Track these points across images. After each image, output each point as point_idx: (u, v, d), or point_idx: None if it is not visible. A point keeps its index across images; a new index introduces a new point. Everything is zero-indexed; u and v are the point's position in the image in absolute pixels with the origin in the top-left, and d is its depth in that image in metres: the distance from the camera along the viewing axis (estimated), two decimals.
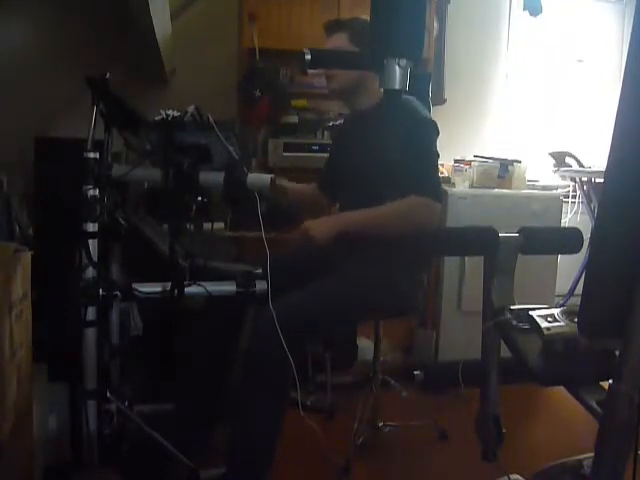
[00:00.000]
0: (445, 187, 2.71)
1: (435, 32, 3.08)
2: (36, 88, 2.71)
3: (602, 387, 1.00)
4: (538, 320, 1.11)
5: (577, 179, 3.24)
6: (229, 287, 1.55)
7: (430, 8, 2.91)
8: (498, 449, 1.32)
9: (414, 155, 1.70)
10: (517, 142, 3.44)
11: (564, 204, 3.00)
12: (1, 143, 2.54)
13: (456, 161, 2.89)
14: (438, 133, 1.78)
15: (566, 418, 2.31)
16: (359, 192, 1.83)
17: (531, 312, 1.15)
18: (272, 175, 1.52)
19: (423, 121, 1.76)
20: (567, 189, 3.29)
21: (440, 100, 3.07)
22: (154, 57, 2.58)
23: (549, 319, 1.11)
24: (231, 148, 1.50)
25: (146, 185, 2.08)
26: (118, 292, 1.46)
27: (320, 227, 1.69)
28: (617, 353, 0.93)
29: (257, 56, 2.66)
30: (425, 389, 2.59)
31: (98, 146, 1.44)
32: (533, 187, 3.05)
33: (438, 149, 1.78)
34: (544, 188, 3.17)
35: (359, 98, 1.87)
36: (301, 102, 2.94)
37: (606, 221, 0.90)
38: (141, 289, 1.48)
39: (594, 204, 3.20)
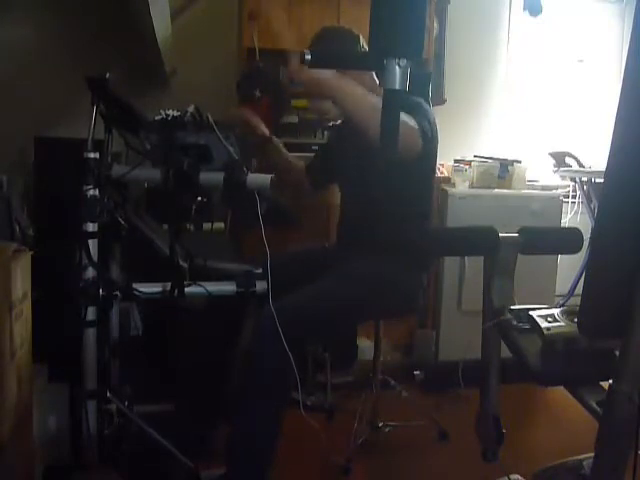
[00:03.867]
0: (445, 187, 2.72)
1: (435, 32, 3.08)
2: (36, 88, 2.70)
3: (602, 387, 1.00)
4: (538, 320, 1.11)
5: (577, 179, 3.24)
6: (229, 287, 1.55)
7: (430, 8, 2.90)
8: (498, 449, 1.32)
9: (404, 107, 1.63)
10: (517, 142, 3.44)
11: (564, 204, 3.00)
12: (1, 143, 2.54)
13: (456, 161, 2.89)
14: (430, 113, 1.75)
15: (566, 418, 2.31)
16: (361, 187, 1.83)
17: (531, 312, 1.15)
18: (272, 175, 1.52)
19: (414, 104, 1.73)
20: (567, 189, 3.29)
21: (440, 100, 3.07)
22: (154, 57, 2.58)
23: (549, 319, 1.11)
24: (231, 148, 1.50)
25: (146, 185, 2.08)
26: (118, 292, 1.46)
27: (316, 74, 1.58)
28: (617, 353, 0.93)
29: (257, 56, 2.66)
30: (425, 389, 2.59)
31: (98, 146, 1.44)
32: (533, 187, 3.05)
33: (438, 150, 1.78)
34: (544, 188, 3.17)
35: None
36: (301, 102, 2.94)
37: (606, 221, 0.90)
38: (141, 289, 1.48)
39: (594, 204, 3.20)
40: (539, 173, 3.30)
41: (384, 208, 1.78)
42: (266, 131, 1.90)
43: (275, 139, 1.97)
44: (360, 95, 1.57)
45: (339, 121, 2.13)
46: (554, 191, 3.09)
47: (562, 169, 3.19)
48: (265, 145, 1.93)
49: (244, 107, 1.90)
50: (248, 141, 1.78)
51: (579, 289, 2.91)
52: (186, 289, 1.49)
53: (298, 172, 2.08)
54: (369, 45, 1.03)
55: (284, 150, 2.02)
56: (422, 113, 1.70)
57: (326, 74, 1.59)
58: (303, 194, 2.20)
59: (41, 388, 1.59)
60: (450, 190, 2.67)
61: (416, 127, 1.61)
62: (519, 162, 2.84)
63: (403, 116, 1.53)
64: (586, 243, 1.22)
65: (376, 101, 1.52)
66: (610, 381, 0.89)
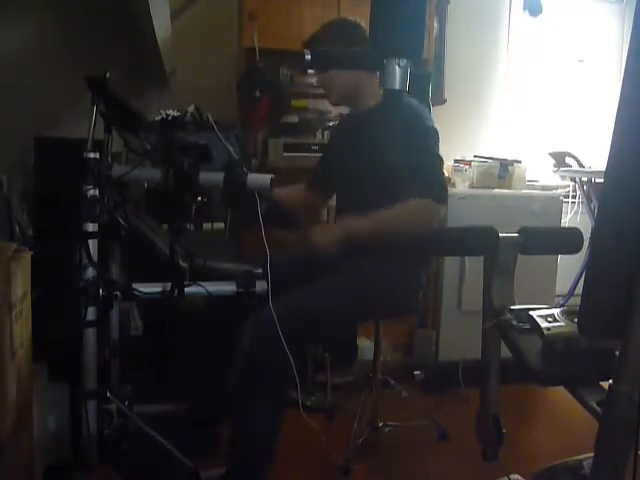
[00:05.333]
0: None
1: (435, 32, 3.08)
2: (36, 88, 2.70)
3: (602, 387, 1.00)
4: (538, 320, 1.11)
5: (577, 179, 3.24)
6: (229, 287, 1.55)
7: (430, 8, 2.90)
8: (498, 449, 1.32)
9: (417, 158, 1.70)
10: (517, 142, 3.44)
11: (564, 204, 3.00)
12: (1, 143, 2.54)
13: (456, 161, 2.89)
14: (439, 139, 1.78)
15: (566, 418, 2.31)
16: (358, 192, 1.83)
17: (531, 312, 1.15)
18: (272, 175, 1.52)
19: (426, 129, 1.76)
20: (567, 189, 3.29)
21: (440, 100, 3.07)
22: (154, 57, 2.57)
23: (549, 319, 1.11)
24: (231, 148, 1.50)
25: (146, 185, 2.08)
26: (118, 292, 1.46)
27: (324, 236, 1.68)
28: (617, 353, 0.93)
29: (257, 56, 2.66)
30: (425, 389, 2.59)
31: (98, 146, 1.44)
32: (533, 187, 3.05)
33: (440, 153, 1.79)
34: (544, 188, 3.17)
35: (360, 100, 1.88)
36: (301, 102, 2.94)
37: (606, 221, 0.90)
38: (141, 289, 1.48)
39: (594, 204, 3.20)
40: (539, 173, 3.30)
41: (381, 209, 1.79)
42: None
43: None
44: (368, 224, 1.68)
45: (333, 123, 2.14)
46: (554, 191, 3.09)
47: (562, 169, 3.19)
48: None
49: (240, 110, 1.90)
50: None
51: (579, 289, 2.91)
52: (186, 289, 1.49)
53: (300, 199, 2.08)
54: (369, 45, 1.03)
55: (278, 194, 1.99)
56: (436, 161, 1.74)
57: (333, 235, 1.68)
58: (306, 210, 2.20)
59: (41, 388, 1.59)
60: (450, 190, 2.65)
61: (439, 203, 1.67)
62: (519, 162, 2.84)
63: (425, 202, 1.65)
64: (586, 243, 1.22)
65: (381, 217, 1.66)
66: (610, 381, 0.89)
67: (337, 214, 2.03)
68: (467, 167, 2.81)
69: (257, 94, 2.07)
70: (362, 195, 1.80)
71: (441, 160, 1.76)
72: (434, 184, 1.70)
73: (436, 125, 1.80)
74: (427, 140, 1.74)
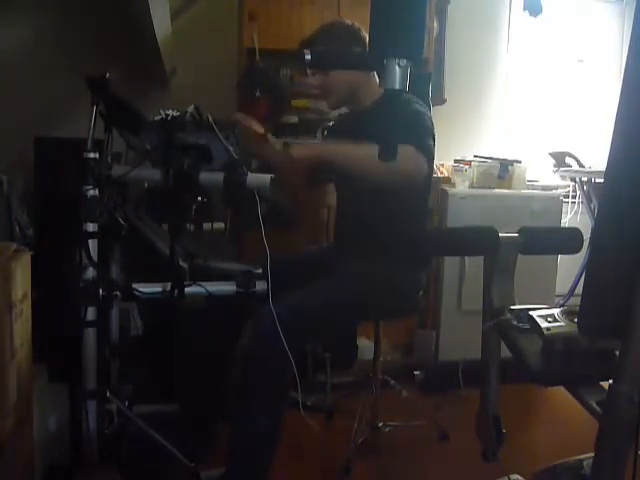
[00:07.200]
0: (445, 187, 2.72)
1: (435, 32, 3.08)
2: (36, 88, 2.70)
3: (602, 387, 1.00)
4: (538, 320, 1.11)
5: (577, 179, 3.24)
6: (229, 287, 1.55)
7: (430, 8, 2.90)
8: (498, 449, 1.32)
9: (406, 120, 1.64)
10: (517, 142, 3.44)
11: (564, 204, 3.00)
12: (1, 143, 2.54)
13: (456, 161, 2.89)
14: (432, 125, 1.75)
15: (566, 418, 2.31)
16: (357, 189, 1.83)
17: (531, 312, 1.15)
18: (272, 175, 1.52)
19: (417, 111, 1.74)
20: (567, 189, 3.29)
21: (440, 100, 3.07)
22: (154, 57, 2.58)
23: (549, 319, 1.11)
24: (231, 148, 1.50)
25: (146, 185, 2.08)
26: (118, 292, 1.46)
27: (303, 150, 1.65)
28: (617, 353, 0.93)
29: (257, 56, 2.66)
30: (425, 389, 2.59)
31: (98, 146, 1.44)
32: (533, 187, 3.05)
33: (435, 148, 1.77)
34: (544, 188, 3.18)
35: (358, 99, 1.88)
36: (301, 102, 2.94)
37: (606, 221, 0.90)
38: (141, 289, 1.48)
39: (594, 204, 3.20)
40: (539, 173, 3.31)
41: (381, 208, 1.78)
42: (260, 129, 1.89)
43: (270, 137, 1.97)
44: (350, 153, 1.60)
45: (332, 123, 2.14)
46: (554, 191, 3.09)
47: (562, 169, 3.19)
48: (261, 144, 1.92)
49: (240, 110, 1.90)
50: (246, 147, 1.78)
51: (579, 289, 2.91)
52: (186, 289, 1.49)
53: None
54: (369, 45, 1.03)
55: (278, 148, 2.01)
56: (423, 125, 1.69)
57: (312, 151, 1.64)
58: (299, 191, 2.19)
59: (41, 388, 1.59)
60: (450, 190, 2.67)
61: (420, 153, 1.58)
62: (519, 162, 2.84)
63: (407, 147, 1.50)
64: (586, 243, 1.22)
65: (365, 150, 1.52)
66: (610, 381, 0.89)
67: (338, 211, 2.04)
68: (467, 167, 2.81)
69: (257, 94, 2.06)
70: (360, 192, 1.80)
71: (430, 123, 1.72)
72: (419, 136, 1.61)
73: (436, 125, 1.80)
74: (416, 110, 1.71)
